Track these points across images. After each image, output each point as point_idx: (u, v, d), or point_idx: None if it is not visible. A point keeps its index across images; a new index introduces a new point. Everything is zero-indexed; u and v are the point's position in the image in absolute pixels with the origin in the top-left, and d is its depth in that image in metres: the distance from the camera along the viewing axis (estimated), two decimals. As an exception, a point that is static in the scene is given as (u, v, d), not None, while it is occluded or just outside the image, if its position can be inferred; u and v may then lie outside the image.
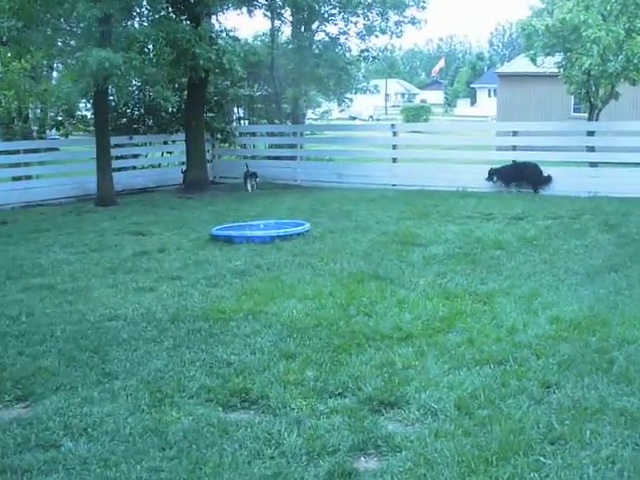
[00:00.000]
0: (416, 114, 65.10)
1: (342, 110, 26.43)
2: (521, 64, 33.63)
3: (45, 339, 7.55)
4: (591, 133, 20.26)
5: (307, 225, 13.30)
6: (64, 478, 4.79)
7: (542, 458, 4.85)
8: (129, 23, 19.27)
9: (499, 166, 19.67)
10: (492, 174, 19.41)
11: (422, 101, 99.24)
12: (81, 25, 17.60)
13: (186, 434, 5.33)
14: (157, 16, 19.02)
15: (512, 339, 7.18)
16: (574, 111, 33.96)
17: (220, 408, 5.81)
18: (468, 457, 4.86)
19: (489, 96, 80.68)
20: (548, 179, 18.89)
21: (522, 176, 19.22)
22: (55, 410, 5.77)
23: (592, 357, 6.63)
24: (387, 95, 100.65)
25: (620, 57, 19.70)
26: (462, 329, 7.54)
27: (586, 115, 23.60)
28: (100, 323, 8.09)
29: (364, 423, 5.43)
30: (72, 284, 9.93)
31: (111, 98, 21.55)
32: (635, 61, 19.25)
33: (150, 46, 19.46)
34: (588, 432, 5.18)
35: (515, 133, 20.55)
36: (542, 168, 19.06)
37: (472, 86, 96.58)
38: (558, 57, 21.26)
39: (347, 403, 5.81)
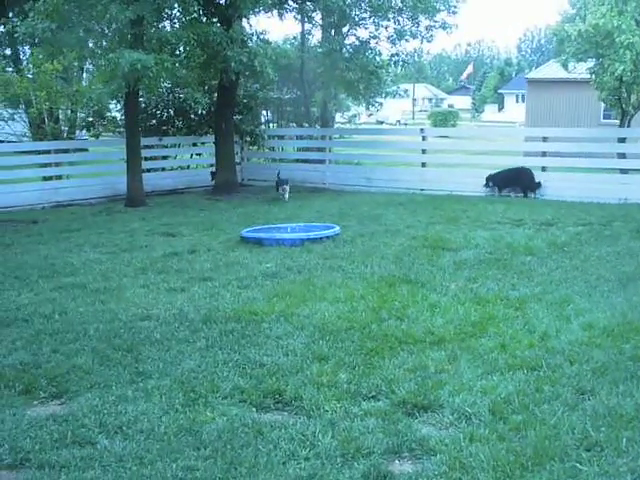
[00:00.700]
0: (444, 119, 65.06)
1: (370, 114, 26.37)
2: (550, 70, 33.54)
3: (78, 337, 7.61)
4: (622, 140, 20.14)
5: (337, 228, 13.30)
6: (100, 475, 4.82)
7: (578, 464, 4.82)
8: (161, 25, 19.35)
9: (494, 172, 19.88)
10: (488, 180, 19.71)
11: (449, 106, 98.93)
12: (113, 27, 17.70)
13: (220, 434, 5.35)
14: (188, 18, 19.11)
15: (545, 345, 7.15)
16: (604, 117, 33.77)
17: (254, 409, 5.83)
18: (503, 462, 4.85)
19: (517, 102, 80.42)
20: (539, 184, 19.11)
21: (515, 181, 19.50)
22: (90, 408, 5.82)
23: (626, 364, 6.58)
24: (414, 100, 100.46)
25: (653, 63, 19.58)
26: (494, 334, 7.51)
27: (617, 122, 23.47)
28: (133, 323, 8.13)
29: (398, 426, 5.43)
30: (104, 283, 9.99)
31: (141, 99, 21.69)
32: (669, 67, 19.15)
33: (181, 48, 19.62)
34: (624, 440, 5.14)
35: (545, 139, 20.44)
36: (535, 173, 19.33)
37: (500, 91, 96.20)
38: (590, 63, 21.13)
39: (381, 406, 5.81)
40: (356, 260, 11.12)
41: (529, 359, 6.73)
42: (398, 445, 5.16)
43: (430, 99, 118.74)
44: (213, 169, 22.18)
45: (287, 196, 19.26)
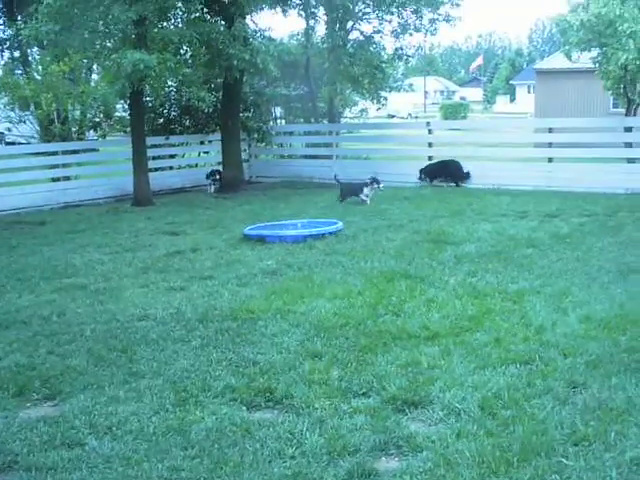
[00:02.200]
0: (454, 111, 64.88)
1: (379, 108, 26.29)
2: (559, 60, 33.24)
3: (75, 339, 7.66)
4: (629, 129, 20.03)
5: (340, 224, 13.30)
6: (86, 476, 4.85)
7: (564, 460, 4.82)
8: (164, 25, 19.36)
9: (427, 164, 20.77)
10: (421, 172, 20.56)
11: (461, 98, 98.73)
12: (117, 27, 17.73)
13: (209, 433, 5.37)
14: (191, 17, 19.11)
15: (540, 338, 7.13)
16: (614, 107, 33.55)
17: (244, 407, 5.85)
18: (489, 458, 4.84)
19: (528, 92, 79.84)
20: (467, 175, 19.84)
21: (445, 172, 20.26)
22: (81, 409, 5.85)
23: (621, 357, 6.56)
24: (426, 92, 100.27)
25: (657, 51, 19.43)
26: (490, 328, 7.50)
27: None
28: (130, 323, 8.17)
29: (387, 423, 5.43)
30: (104, 284, 10.04)
31: (148, 99, 21.71)
32: (672, 55, 18.99)
33: (185, 47, 19.63)
34: (613, 433, 5.13)
35: (551, 130, 20.36)
36: (462, 164, 20.24)
37: (511, 82, 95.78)
38: (594, 52, 21.00)
39: (371, 403, 5.81)
40: (357, 256, 11.13)
41: (523, 353, 6.71)
42: (385, 442, 5.17)
43: (442, 92, 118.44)
44: (213, 168, 22.26)
45: (368, 199, 17.12)
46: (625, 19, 18.45)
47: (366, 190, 17.12)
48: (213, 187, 21.26)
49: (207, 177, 21.52)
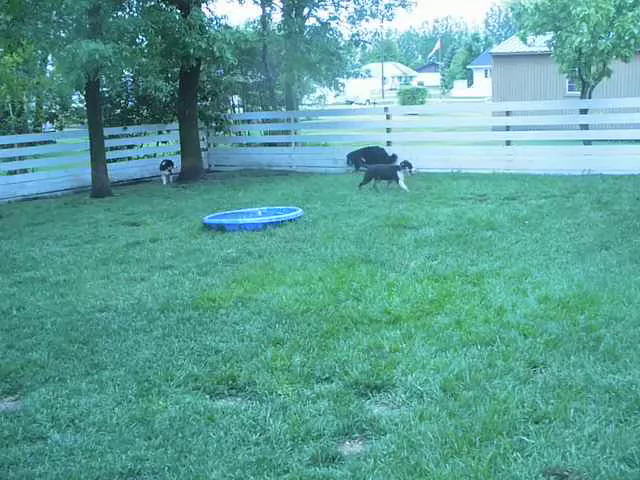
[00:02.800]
0: (412, 97, 64.98)
1: (337, 95, 26.36)
2: (515, 44, 33.51)
3: (35, 332, 7.59)
4: (584, 111, 20.22)
5: (300, 211, 13.30)
6: (49, 470, 4.81)
7: (525, 438, 4.87)
8: (119, 14, 19.17)
9: (353, 150, 21.15)
10: (349, 157, 21.01)
11: (419, 83, 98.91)
12: (71, 17, 17.52)
13: (172, 423, 5.36)
14: (147, 6, 18.97)
15: (500, 319, 7.19)
16: (569, 89, 33.83)
17: (207, 396, 5.84)
18: (452, 438, 4.88)
19: (486, 77, 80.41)
20: (394, 157, 19.55)
21: (370, 158, 20.07)
22: (43, 402, 5.80)
23: (579, 335, 6.64)
24: (384, 78, 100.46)
25: (611, 34, 19.64)
26: (451, 311, 7.55)
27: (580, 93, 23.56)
28: (90, 314, 8.11)
29: (350, 407, 5.45)
30: (64, 276, 9.95)
31: (105, 89, 21.53)
32: (626, 38, 19.19)
33: (141, 36, 19.46)
34: (572, 410, 5.20)
35: (508, 113, 20.50)
36: (387, 149, 20.65)
37: (468, 67, 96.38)
38: (549, 36, 21.16)
39: (333, 388, 5.83)
40: (317, 242, 11.14)
41: (483, 334, 6.77)
42: (349, 426, 5.19)
43: (400, 77, 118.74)
44: (166, 159, 21.87)
45: (404, 185, 16.07)
46: (578, 3, 18.62)
47: (401, 175, 16.18)
48: (167, 179, 20.88)
49: (162, 168, 21.13)
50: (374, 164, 17.88)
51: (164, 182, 20.70)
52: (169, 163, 21.21)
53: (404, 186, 16.01)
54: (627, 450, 4.64)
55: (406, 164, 16.46)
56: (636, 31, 19.08)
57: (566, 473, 4.46)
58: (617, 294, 7.77)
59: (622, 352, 6.19)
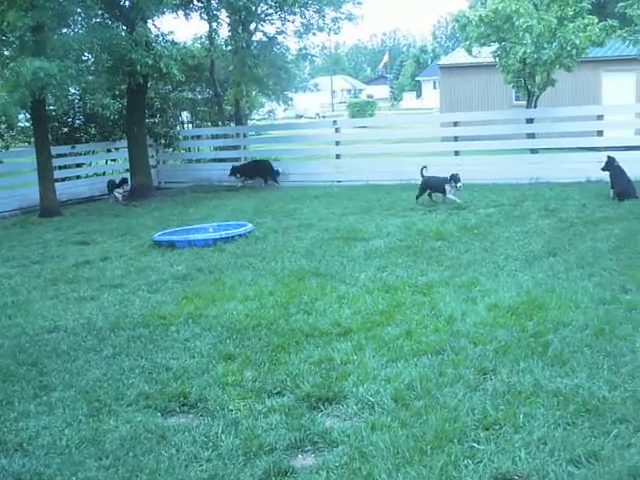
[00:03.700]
0: (361, 109, 65.37)
1: (285, 109, 26.45)
2: (461, 55, 33.76)
3: (-18, 356, 7.47)
4: (530, 120, 20.51)
5: (250, 226, 13.30)
6: (-3, 495, 4.74)
7: (476, 444, 4.91)
8: (64, 31, 19.01)
9: (239, 164, 22.30)
10: (233, 171, 21.81)
11: (368, 96, 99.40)
12: (14, 34, 17.33)
13: (123, 442, 5.30)
14: (92, 23, 18.82)
15: (450, 328, 7.25)
16: (516, 99, 34.21)
17: (159, 414, 5.79)
18: (403, 448, 4.90)
19: (434, 88, 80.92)
20: (277, 173, 21.42)
21: (257, 171, 21.61)
22: (-10, 427, 5.71)
23: (528, 341, 6.72)
24: (333, 92, 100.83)
25: (554, 45, 19.98)
26: (401, 321, 7.59)
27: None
28: (39, 336, 8.01)
29: (301, 421, 5.45)
30: (12, 298, 9.82)
31: (52, 108, 21.31)
32: (568, 48, 19.57)
33: (87, 54, 19.32)
34: (522, 416, 5.25)
35: (456, 124, 20.70)
36: (273, 164, 21.89)
37: (417, 79, 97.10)
38: (494, 47, 21.43)
39: (285, 402, 5.82)
40: (267, 257, 11.15)
41: (434, 344, 6.81)
42: (301, 439, 5.18)
43: (349, 90, 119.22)
44: (112, 178, 21.78)
45: (452, 196, 15.62)
46: (521, 14, 18.93)
47: (448, 187, 15.66)
48: (121, 197, 20.73)
49: (117, 186, 20.89)
50: (429, 177, 16.44)
51: (119, 199, 20.50)
52: (124, 181, 21.03)
53: (455, 198, 15.55)
54: (574, 452, 4.71)
55: (453, 178, 15.67)
56: (577, 42, 19.48)
57: (516, 477, 4.51)
58: (564, 300, 7.88)
59: (570, 356, 6.27)
